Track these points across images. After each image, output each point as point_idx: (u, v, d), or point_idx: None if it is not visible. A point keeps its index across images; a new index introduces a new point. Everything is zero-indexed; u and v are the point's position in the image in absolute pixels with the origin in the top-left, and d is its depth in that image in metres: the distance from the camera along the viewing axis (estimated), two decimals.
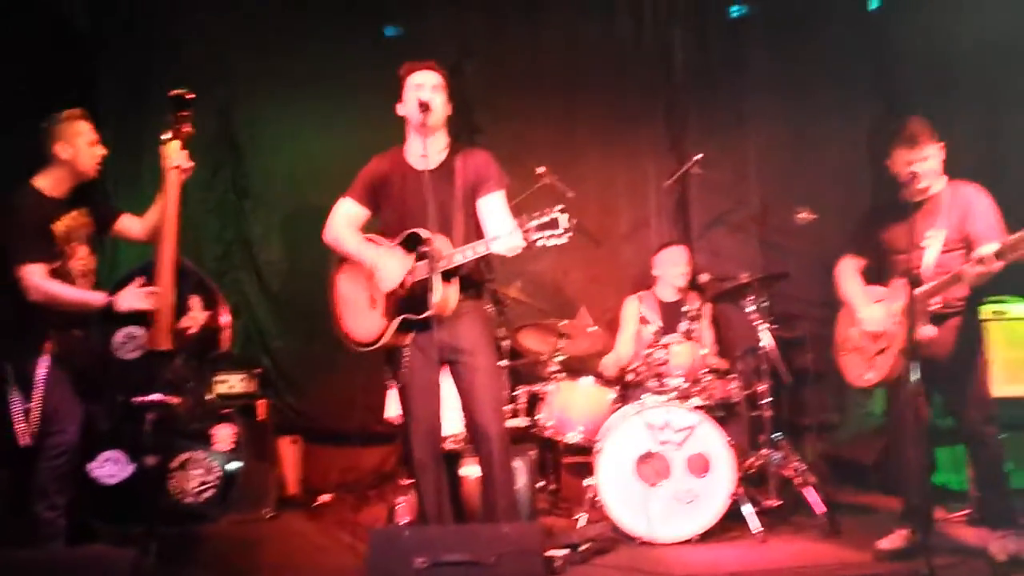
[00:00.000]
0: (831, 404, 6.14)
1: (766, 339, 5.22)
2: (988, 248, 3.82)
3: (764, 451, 5.12)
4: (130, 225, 4.44)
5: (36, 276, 3.98)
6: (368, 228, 4.18)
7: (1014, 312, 4.98)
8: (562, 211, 3.52)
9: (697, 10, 6.43)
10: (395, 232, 4.01)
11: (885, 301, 4.30)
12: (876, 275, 4.48)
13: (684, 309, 5.45)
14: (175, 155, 4.22)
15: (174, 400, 4.12)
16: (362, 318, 4.04)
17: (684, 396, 4.93)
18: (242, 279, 6.46)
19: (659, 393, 4.94)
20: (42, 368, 3.99)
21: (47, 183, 4.13)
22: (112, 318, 4.15)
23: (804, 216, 5.64)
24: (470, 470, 4.61)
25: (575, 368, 5.42)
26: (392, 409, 5.30)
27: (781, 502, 5.04)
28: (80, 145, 4.15)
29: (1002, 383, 4.89)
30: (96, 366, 4.18)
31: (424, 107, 3.86)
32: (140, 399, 4.07)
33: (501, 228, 3.73)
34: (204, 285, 4.33)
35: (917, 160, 4.14)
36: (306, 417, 6.38)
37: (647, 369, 5.10)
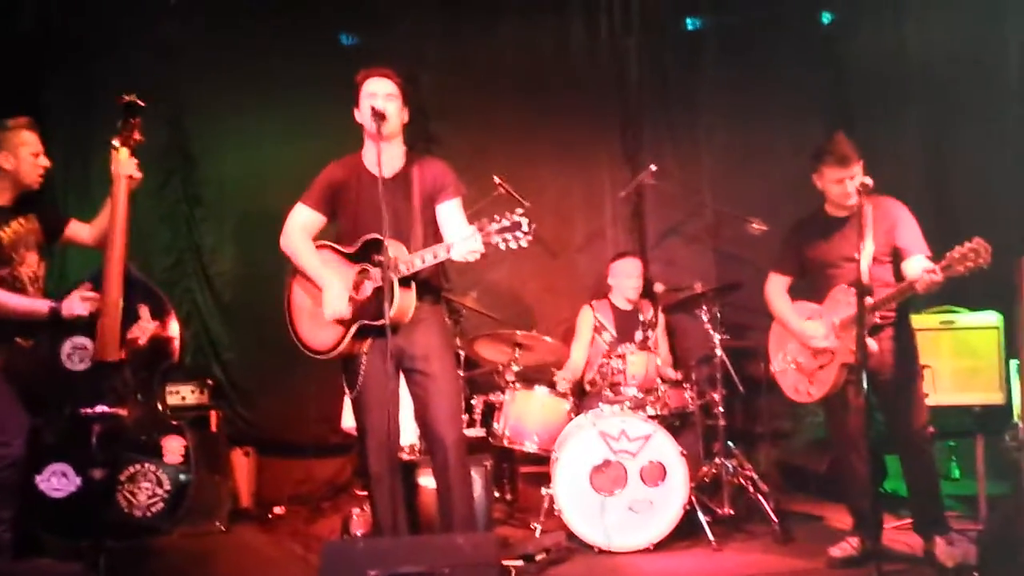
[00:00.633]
0: (783, 413, 6.20)
1: (720, 349, 5.26)
2: (918, 259, 4.02)
3: (718, 460, 5.15)
4: (79, 231, 4.37)
5: None
6: (324, 234, 4.15)
7: (962, 322, 5.08)
8: (523, 214, 3.52)
9: (652, 22, 6.48)
10: (351, 239, 3.98)
11: (823, 316, 4.35)
12: (804, 291, 4.56)
13: (641, 319, 5.48)
14: (125, 163, 4.17)
15: (122, 412, 4.06)
16: (318, 326, 4.00)
17: (639, 405, 4.95)
18: (193, 288, 6.40)
19: (614, 403, 4.95)
20: None
21: None
22: (60, 328, 4.08)
23: (757, 227, 5.72)
24: (428, 480, 4.58)
25: (531, 378, 5.42)
26: (348, 419, 5.26)
27: (734, 511, 5.07)
28: (23, 156, 4.07)
29: (950, 392, 4.99)
30: (42, 377, 4.10)
31: (378, 115, 3.84)
32: (87, 411, 4.00)
33: (459, 233, 3.73)
34: (153, 294, 4.26)
35: (847, 177, 4.21)
36: (259, 428, 6.31)
37: (602, 379, 5.12)
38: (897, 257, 4.22)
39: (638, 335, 5.33)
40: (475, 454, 4.97)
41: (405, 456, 4.75)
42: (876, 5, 6.31)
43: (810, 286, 4.51)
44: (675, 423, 5.20)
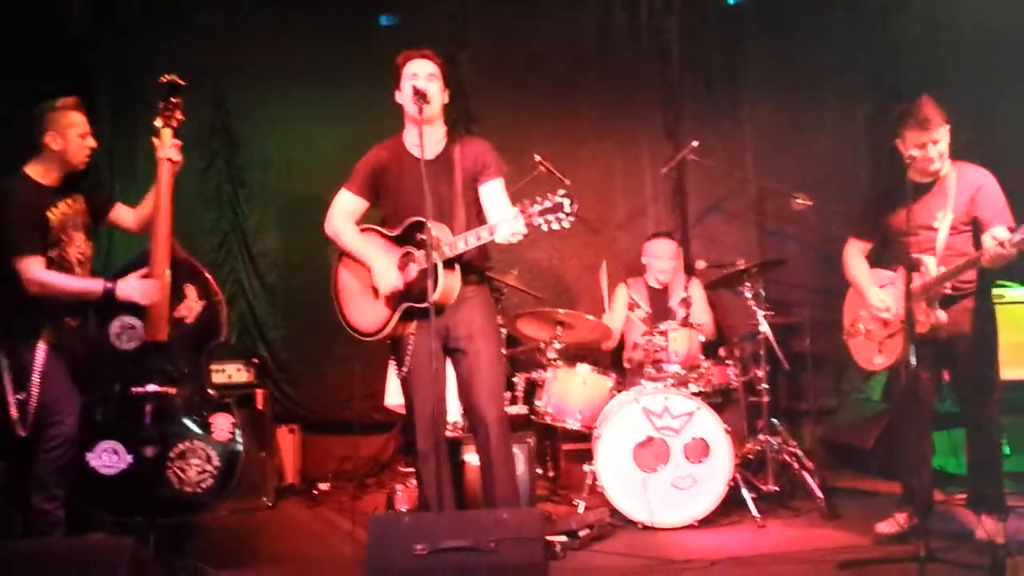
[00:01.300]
0: (828, 389, 6.15)
1: (764, 325, 5.23)
2: (1000, 230, 3.80)
3: (762, 437, 5.13)
4: (124, 215, 4.41)
5: (34, 269, 3.95)
6: (369, 218, 4.17)
7: (1011, 296, 4.99)
8: (565, 195, 3.51)
9: None
10: (395, 222, 4.01)
11: (895, 284, 4.27)
12: (879, 258, 4.47)
13: (682, 295, 5.46)
14: (166, 148, 4.20)
15: (171, 390, 4.12)
16: (365, 308, 4.04)
17: (682, 382, 4.94)
18: (238, 269, 6.47)
19: (657, 380, 4.94)
20: (39, 358, 3.97)
21: (37, 171, 4.09)
22: (109, 307, 4.14)
23: (801, 202, 5.65)
24: (473, 457, 4.60)
25: (573, 355, 5.42)
26: (391, 397, 5.31)
27: (779, 487, 5.05)
28: (71, 137, 4.09)
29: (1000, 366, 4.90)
30: (91, 356, 4.17)
31: (420, 95, 3.83)
32: (138, 389, 4.07)
33: (503, 215, 3.73)
34: (198, 273, 4.30)
35: (928, 142, 4.06)
36: (303, 406, 6.40)
37: (644, 356, 5.10)
38: (977, 228, 4.06)
39: (680, 312, 5.30)
40: (518, 432, 5.00)
41: (450, 433, 4.78)
42: None
43: (888, 254, 4.42)
44: (718, 400, 5.17)
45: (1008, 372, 4.89)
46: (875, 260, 4.50)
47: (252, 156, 6.49)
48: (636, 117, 6.42)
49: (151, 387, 4.07)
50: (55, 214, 4.07)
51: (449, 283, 3.82)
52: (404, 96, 3.97)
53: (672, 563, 4.08)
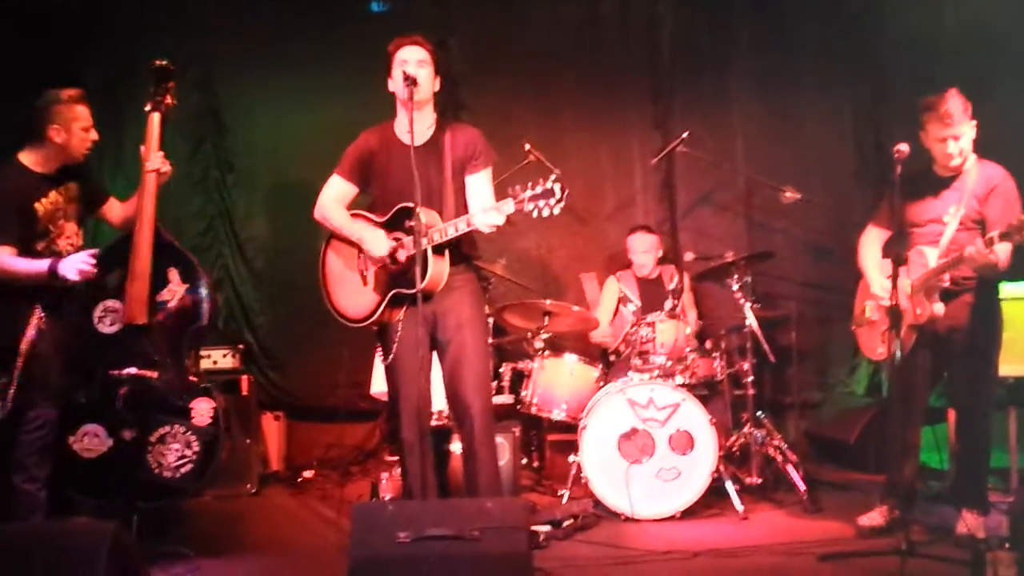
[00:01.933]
0: (813, 383, 6.19)
1: (750, 318, 5.24)
2: (989, 235, 3.80)
3: (747, 429, 5.14)
4: (114, 210, 4.37)
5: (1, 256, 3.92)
6: (358, 204, 4.15)
7: (1002, 293, 5.00)
8: (556, 180, 3.52)
9: None
10: (384, 208, 3.99)
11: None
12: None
13: (671, 287, 5.47)
14: (153, 160, 4.17)
15: (151, 374, 4.10)
16: (353, 294, 4.03)
17: (668, 374, 4.94)
18: (225, 254, 6.44)
19: (643, 371, 4.95)
20: (27, 340, 3.95)
21: (32, 159, 4.06)
22: (95, 291, 4.13)
23: (789, 195, 5.65)
24: (458, 447, 4.59)
25: (559, 345, 5.42)
26: (377, 385, 5.30)
27: (763, 480, 5.07)
28: (75, 130, 4.07)
29: None
30: (76, 338, 4.14)
31: (410, 80, 3.81)
32: (116, 372, 4.06)
33: (482, 205, 3.74)
34: (182, 257, 4.26)
35: (949, 137, 4.05)
36: (289, 393, 6.38)
37: (631, 347, 5.11)
38: (983, 227, 4.03)
39: (667, 303, 5.31)
40: (503, 421, 5.01)
41: (435, 422, 4.77)
42: None
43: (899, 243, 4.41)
44: (704, 392, 5.18)
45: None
46: (886, 250, 4.45)
47: (240, 140, 6.45)
48: (625, 107, 6.41)
49: (130, 370, 4.06)
50: (43, 205, 4.04)
51: (438, 269, 3.81)
52: (395, 82, 3.95)
53: (655, 554, 4.09)
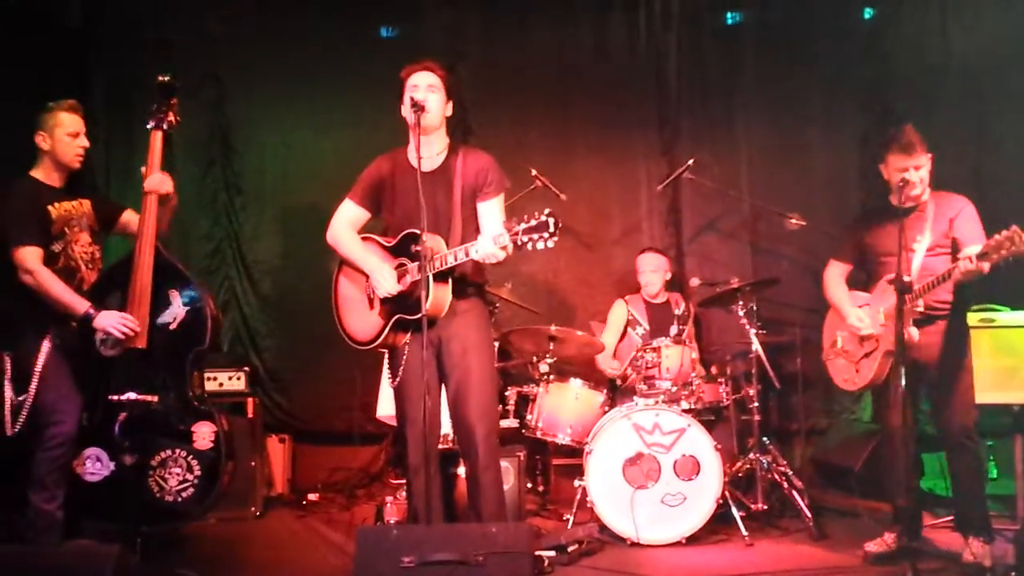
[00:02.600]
0: (819, 409, 6.17)
1: (755, 344, 5.24)
2: (974, 248, 3.94)
3: (752, 455, 5.13)
4: (134, 223, 4.36)
5: (30, 259, 3.98)
6: (372, 228, 4.17)
7: (1002, 320, 4.99)
8: (550, 214, 3.50)
9: (692, 16, 6.44)
10: (395, 232, 4.01)
11: (871, 304, 4.33)
12: (859, 280, 4.53)
13: (676, 313, 5.48)
14: (152, 180, 4.21)
15: (151, 398, 4.11)
16: (361, 318, 4.04)
17: (674, 399, 4.94)
18: (232, 277, 6.46)
19: (649, 396, 4.95)
20: (42, 358, 3.99)
21: (40, 173, 4.16)
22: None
23: (795, 222, 5.68)
24: (464, 470, 4.60)
25: (565, 370, 5.43)
26: (383, 408, 5.30)
27: (768, 506, 5.05)
28: (59, 136, 4.13)
29: (989, 390, 4.87)
30: (81, 360, 4.16)
31: (417, 106, 3.82)
32: (116, 397, 4.06)
33: (491, 233, 3.74)
34: (183, 279, 4.27)
35: (911, 167, 4.20)
36: (294, 416, 6.38)
37: (637, 372, 5.11)
38: (955, 249, 4.17)
39: (673, 329, 5.31)
40: (508, 445, 4.99)
41: (443, 446, 4.77)
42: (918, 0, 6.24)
43: (866, 275, 4.51)
44: (709, 418, 5.18)
45: (997, 396, 4.91)
46: (852, 282, 4.57)
47: (249, 163, 6.50)
48: (632, 134, 6.45)
49: (129, 395, 4.06)
50: (56, 208, 4.11)
51: (439, 296, 3.81)
52: (405, 107, 3.97)
53: None
